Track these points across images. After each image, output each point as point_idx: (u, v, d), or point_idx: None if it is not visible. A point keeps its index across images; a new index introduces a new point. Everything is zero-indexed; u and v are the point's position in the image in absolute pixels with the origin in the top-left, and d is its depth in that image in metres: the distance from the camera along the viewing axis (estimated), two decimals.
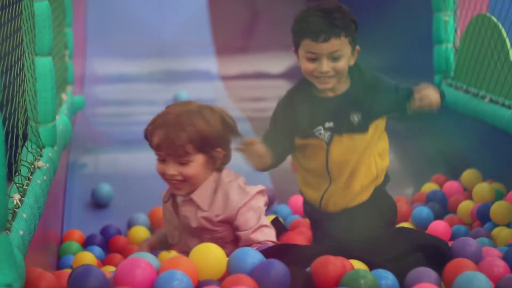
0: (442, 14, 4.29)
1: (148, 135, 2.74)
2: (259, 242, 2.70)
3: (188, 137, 2.65)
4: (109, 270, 2.97)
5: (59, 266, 3.28)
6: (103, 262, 3.34)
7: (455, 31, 4.30)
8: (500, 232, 3.13)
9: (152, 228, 3.64)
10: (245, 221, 2.71)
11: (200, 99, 5.82)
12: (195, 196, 2.74)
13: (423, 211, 3.48)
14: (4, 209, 1.86)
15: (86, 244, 3.50)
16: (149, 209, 3.76)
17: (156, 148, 2.69)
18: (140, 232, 3.55)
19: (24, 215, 2.34)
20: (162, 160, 2.71)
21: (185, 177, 2.69)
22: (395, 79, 5.74)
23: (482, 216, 3.36)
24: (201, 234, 2.76)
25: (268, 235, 2.74)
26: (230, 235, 2.76)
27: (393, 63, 5.64)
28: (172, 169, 2.69)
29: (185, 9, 6.58)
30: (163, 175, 2.71)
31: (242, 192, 2.73)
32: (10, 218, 2.26)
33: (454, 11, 4.29)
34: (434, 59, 4.37)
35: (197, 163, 2.69)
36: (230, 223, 2.74)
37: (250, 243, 2.70)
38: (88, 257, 3.23)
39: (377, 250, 2.51)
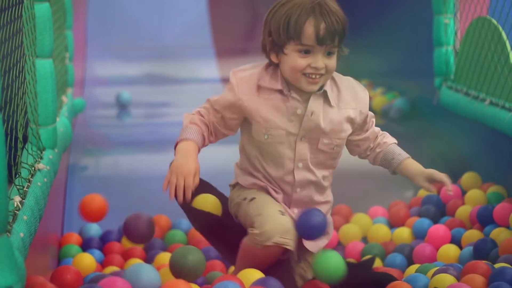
0: (442, 17, 4.29)
1: (299, 28, 2.43)
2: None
3: (343, 23, 2.49)
4: (109, 270, 2.98)
5: None
6: (102, 264, 3.34)
7: (455, 33, 4.31)
8: (500, 234, 3.13)
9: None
10: (371, 120, 2.66)
11: (200, 101, 5.85)
12: (329, 92, 2.56)
13: (425, 222, 3.46)
14: (4, 211, 1.86)
15: (85, 246, 3.50)
16: (149, 211, 3.75)
17: (320, 40, 2.44)
18: None
19: (25, 217, 2.34)
20: (305, 53, 2.46)
21: (328, 70, 2.49)
22: (396, 81, 5.78)
23: (482, 218, 3.36)
24: (319, 137, 2.59)
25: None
26: (342, 145, 2.65)
27: (394, 66, 5.64)
28: (322, 61, 2.46)
29: (185, 12, 6.59)
30: (304, 69, 2.46)
31: (362, 86, 2.65)
32: (10, 220, 2.26)
33: (455, 14, 4.29)
34: (434, 62, 4.37)
35: (335, 56, 2.51)
36: (352, 123, 2.62)
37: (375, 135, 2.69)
38: (88, 259, 3.23)
39: None
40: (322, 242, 2.66)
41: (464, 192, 3.73)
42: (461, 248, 3.22)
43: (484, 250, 3.03)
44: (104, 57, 6.17)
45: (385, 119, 5.14)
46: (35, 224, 2.45)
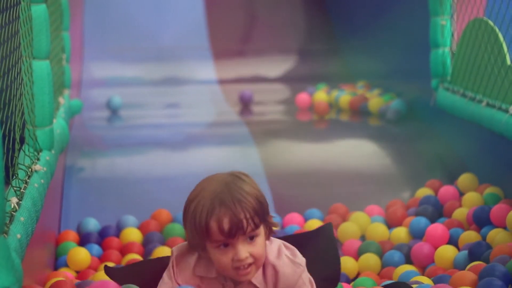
0: (439, 18, 4.30)
1: (204, 228, 2.28)
2: None
3: (252, 208, 2.29)
4: (109, 265, 2.99)
5: (56, 267, 3.30)
6: (100, 259, 3.35)
7: (452, 35, 4.31)
8: (497, 235, 3.14)
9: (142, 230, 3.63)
10: None
11: (197, 103, 5.85)
12: (255, 279, 2.38)
13: (421, 221, 3.46)
14: (1, 213, 1.86)
15: (83, 242, 3.51)
16: (145, 212, 3.76)
17: (227, 234, 2.27)
18: (132, 234, 3.56)
19: (22, 219, 2.34)
20: (224, 247, 2.30)
21: (255, 257, 2.31)
22: (393, 82, 5.78)
23: (478, 220, 3.36)
24: None
25: None
26: None
27: (391, 67, 5.65)
28: (244, 251, 2.29)
29: (182, 13, 6.58)
30: (230, 263, 2.31)
31: (294, 264, 2.41)
32: (7, 222, 2.26)
33: (451, 15, 4.29)
34: (431, 63, 4.38)
35: (261, 237, 2.33)
36: None
37: None
38: (83, 254, 3.24)
39: None
40: None
41: (461, 194, 3.73)
42: (458, 248, 3.23)
43: (479, 254, 3.04)
44: (101, 58, 6.17)
45: (382, 120, 5.15)
46: (32, 225, 2.45)
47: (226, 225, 2.26)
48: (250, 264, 2.31)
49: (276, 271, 2.39)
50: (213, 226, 2.27)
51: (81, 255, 3.23)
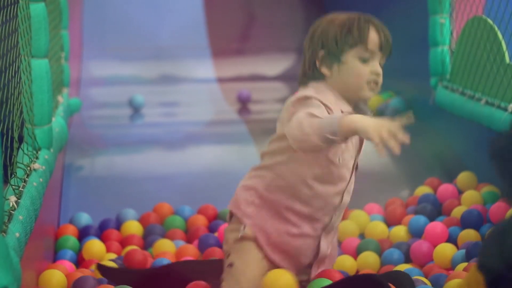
0: (438, 17, 4.30)
1: (363, 34, 2.51)
2: None
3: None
4: (109, 257, 2.99)
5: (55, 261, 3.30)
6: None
7: (451, 33, 4.31)
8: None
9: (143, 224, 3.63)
10: None
11: (195, 101, 5.85)
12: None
13: (420, 219, 3.45)
14: (0, 211, 1.86)
15: (82, 236, 3.51)
16: (144, 211, 3.76)
17: (380, 46, 2.52)
18: (133, 227, 3.56)
19: (20, 217, 2.34)
20: (364, 62, 2.51)
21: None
22: (392, 81, 5.76)
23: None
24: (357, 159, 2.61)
25: None
26: None
27: (389, 65, 5.64)
28: (380, 69, 2.54)
29: (181, 12, 6.58)
30: (367, 76, 2.52)
31: None
32: (6, 220, 2.26)
33: (450, 13, 4.29)
34: (430, 61, 4.38)
35: None
36: None
37: None
38: (98, 246, 3.25)
39: None
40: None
41: (460, 192, 3.73)
42: (457, 247, 3.22)
43: (476, 254, 3.03)
44: (100, 57, 6.16)
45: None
46: (31, 224, 2.45)
47: (382, 38, 2.51)
48: (377, 84, 2.53)
49: None
50: (373, 34, 2.50)
51: (97, 248, 3.24)
